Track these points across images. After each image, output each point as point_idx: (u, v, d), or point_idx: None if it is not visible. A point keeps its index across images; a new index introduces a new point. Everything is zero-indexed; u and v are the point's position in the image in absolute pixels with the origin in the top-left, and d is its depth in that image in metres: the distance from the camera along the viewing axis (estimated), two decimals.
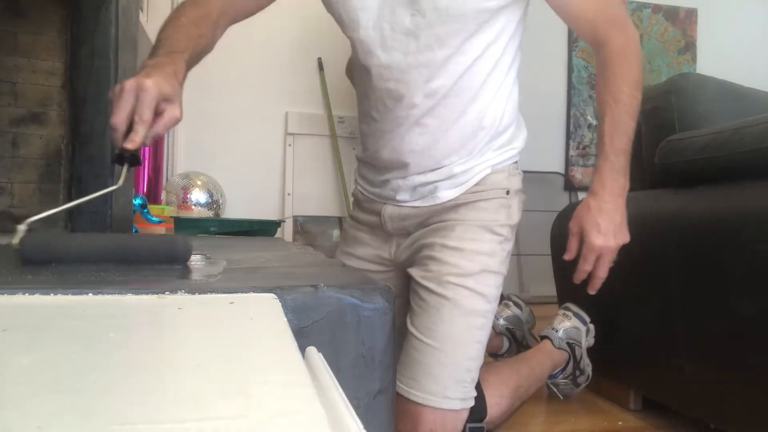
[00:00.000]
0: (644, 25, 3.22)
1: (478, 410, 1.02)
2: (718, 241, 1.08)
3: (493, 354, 1.61)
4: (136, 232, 1.51)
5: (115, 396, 0.23)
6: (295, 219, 2.70)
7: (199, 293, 0.44)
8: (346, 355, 0.46)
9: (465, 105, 1.03)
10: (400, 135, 1.06)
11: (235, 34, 1.15)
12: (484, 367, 1.07)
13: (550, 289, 1.72)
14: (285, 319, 0.38)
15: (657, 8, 3.23)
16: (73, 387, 0.23)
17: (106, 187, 1.26)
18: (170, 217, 1.73)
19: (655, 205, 1.29)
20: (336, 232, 2.71)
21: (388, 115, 1.06)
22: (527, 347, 1.59)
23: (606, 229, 1.00)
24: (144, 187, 2.12)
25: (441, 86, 1.01)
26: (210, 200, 2.32)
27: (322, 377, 0.31)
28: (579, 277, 1.04)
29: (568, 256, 1.06)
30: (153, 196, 2.15)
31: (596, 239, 1.00)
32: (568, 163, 3.09)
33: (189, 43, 0.91)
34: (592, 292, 1.05)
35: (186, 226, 1.56)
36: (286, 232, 2.65)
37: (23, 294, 0.41)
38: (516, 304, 1.65)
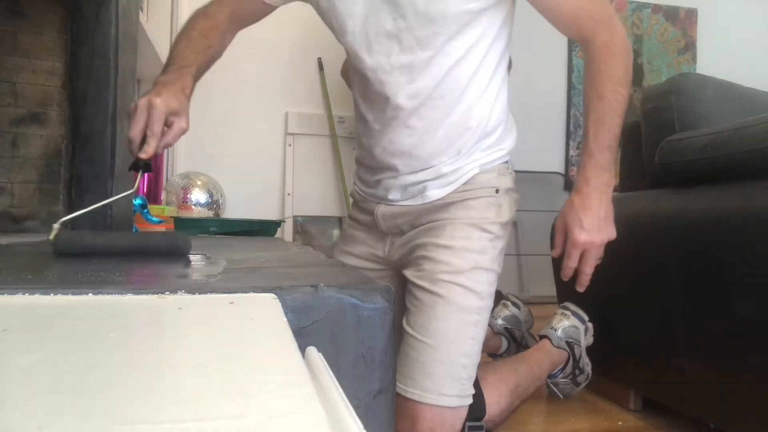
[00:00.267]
0: (644, 25, 3.22)
1: (476, 409, 1.03)
2: (718, 241, 1.09)
3: (492, 354, 1.61)
4: (136, 232, 1.51)
5: (115, 396, 0.23)
6: (295, 219, 2.70)
7: (199, 293, 0.44)
8: (346, 355, 0.46)
9: (451, 106, 1.04)
10: (389, 136, 1.08)
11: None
12: (483, 367, 1.08)
13: (549, 289, 1.72)
14: (285, 319, 0.38)
15: (657, 8, 3.24)
16: (73, 387, 0.23)
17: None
18: (170, 217, 1.73)
19: (655, 205, 1.29)
20: (336, 232, 2.71)
21: (378, 116, 1.09)
22: (526, 347, 1.59)
23: (589, 225, 1.01)
24: (144, 187, 2.12)
25: (424, 87, 1.03)
26: (210, 200, 2.32)
27: (322, 377, 0.31)
28: (565, 273, 1.05)
29: (554, 253, 1.07)
30: (153, 196, 2.15)
31: (579, 235, 1.01)
32: (568, 163, 3.09)
33: (197, 56, 1.02)
34: (580, 289, 1.05)
35: (186, 226, 1.56)
36: (286, 232, 2.66)
37: (23, 294, 0.41)
38: (514, 304, 1.65)
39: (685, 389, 1.18)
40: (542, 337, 1.41)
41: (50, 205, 1.26)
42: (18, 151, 1.24)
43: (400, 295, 1.10)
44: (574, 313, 1.43)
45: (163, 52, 2.20)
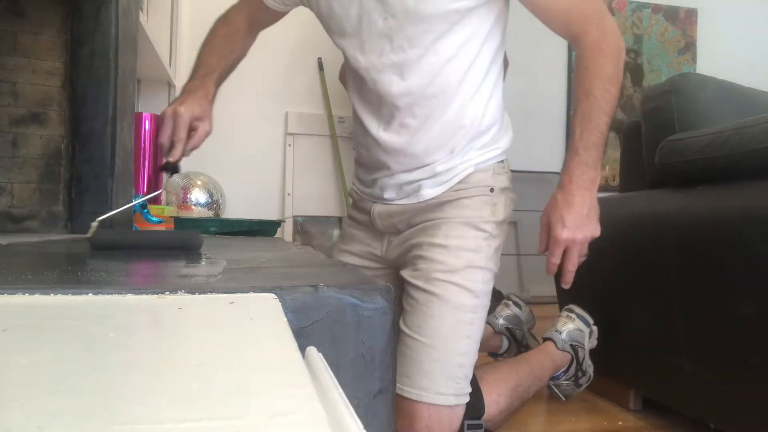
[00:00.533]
0: (644, 25, 3.22)
1: (475, 408, 1.03)
2: (718, 241, 1.09)
3: (492, 354, 1.61)
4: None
5: (115, 396, 0.23)
6: (295, 219, 2.70)
7: (199, 293, 0.44)
8: (346, 355, 0.46)
9: (443, 105, 1.05)
10: (383, 134, 1.09)
11: None
12: (483, 366, 1.08)
13: (550, 289, 1.72)
14: (285, 319, 0.38)
15: (657, 8, 3.24)
16: (73, 387, 0.23)
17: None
18: (170, 217, 1.73)
19: (655, 205, 1.29)
20: (336, 232, 2.71)
21: (372, 114, 1.11)
22: (527, 347, 1.59)
23: (571, 223, 1.00)
24: (144, 187, 2.12)
25: (416, 85, 1.04)
26: (210, 200, 2.32)
27: (322, 377, 0.31)
28: (549, 269, 1.04)
29: (539, 250, 1.07)
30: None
31: (561, 232, 1.00)
32: None
33: (220, 62, 1.14)
34: (564, 286, 1.04)
35: (186, 226, 1.56)
36: (286, 232, 2.66)
37: (23, 294, 0.41)
38: (516, 304, 1.65)
39: (685, 389, 1.18)
40: (546, 339, 1.41)
41: (50, 205, 1.26)
42: (18, 151, 1.24)
43: (398, 294, 1.11)
44: (579, 316, 1.43)
45: (163, 52, 2.20)
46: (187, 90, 1.06)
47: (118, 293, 0.43)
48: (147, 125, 2.13)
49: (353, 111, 1.17)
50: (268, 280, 0.51)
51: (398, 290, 1.11)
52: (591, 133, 0.99)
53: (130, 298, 0.42)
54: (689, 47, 3.28)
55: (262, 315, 0.39)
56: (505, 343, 1.61)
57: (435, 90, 1.04)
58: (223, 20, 1.20)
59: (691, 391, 1.16)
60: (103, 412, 0.20)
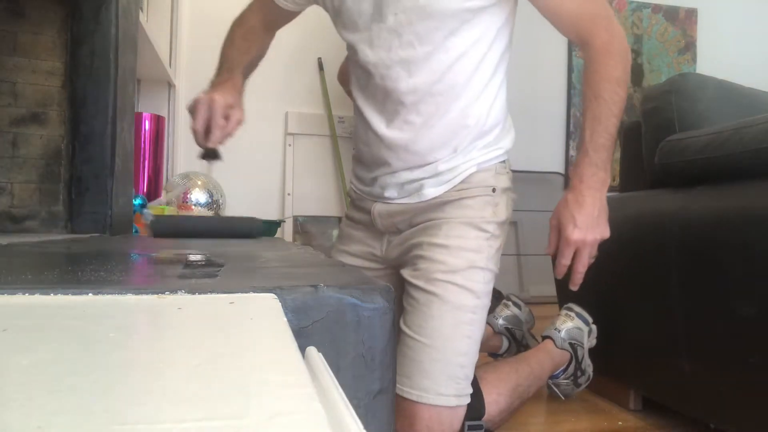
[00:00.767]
0: (644, 25, 3.22)
1: (475, 408, 1.02)
2: (718, 241, 1.09)
3: (492, 354, 1.61)
4: (137, 232, 1.51)
5: (115, 396, 0.23)
6: (295, 219, 2.70)
7: (199, 293, 0.44)
8: (346, 355, 0.46)
9: (448, 103, 1.05)
10: (386, 130, 1.09)
11: None
12: (483, 366, 1.08)
13: (550, 289, 1.72)
14: (285, 319, 0.38)
15: (657, 8, 3.24)
16: (73, 387, 0.23)
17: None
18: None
19: (655, 205, 1.29)
20: (336, 232, 2.71)
21: (376, 110, 1.10)
22: (527, 347, 1.59)
23: (582, 223, 1.01)
24: (144, 187, 2.12)
25: (423, 83, 1.03)
26: (210, 200, 2.32)
27: (322, 377, 0.31)
28: (559, 271, 1.05)
29: (548, 251, 1.07)
30: (153, 196, 2.15)
31: (572, 233, 1.01)
32: (568, 163, 3.09)
33: (242, 57, 1.18)
34: (573, 287, 1.05)
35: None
36: (286, 232, 2.66)
37: (23, 294, 0.41)
38: (515, 304, 1.65)
39: (685, 389, 1.18)
40: (545, 337, 1.41)
41: (50, 205, 1.26)
42: (18, 151, 1.24)
43: (398, 294, 1.11)
44: (579, 315, 1.43)
45: (163, 52, 2.20)
46: (216, 83, 1.09)
47: (118, 293, 0.43)
48: (147, 125, 2.13)
49: (355, 107, 1.16)
50: (268, 280, 0.51)
51: (398, 290, 1.11)
52: (600, 135, 1.00)
53: (130, 298, 0.42)
54: (689, 47, 3.28)
55: (262, 315, 0.39)
56: (505, 343, 1.61)
57: (442, 88, 1.04)
58: (238, 22, 1.23)
59: (691, 391, 1.16)
60: (103, 412, 0.20)
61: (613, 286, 1.39)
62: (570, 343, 1.38)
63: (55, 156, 1.26)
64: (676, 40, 3.26)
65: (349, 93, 2.65)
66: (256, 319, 0.38)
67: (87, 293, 0.42)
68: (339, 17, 1.09)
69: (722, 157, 1.13)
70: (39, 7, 1.24)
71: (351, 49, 1.10)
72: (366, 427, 0.22)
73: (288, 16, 1.24)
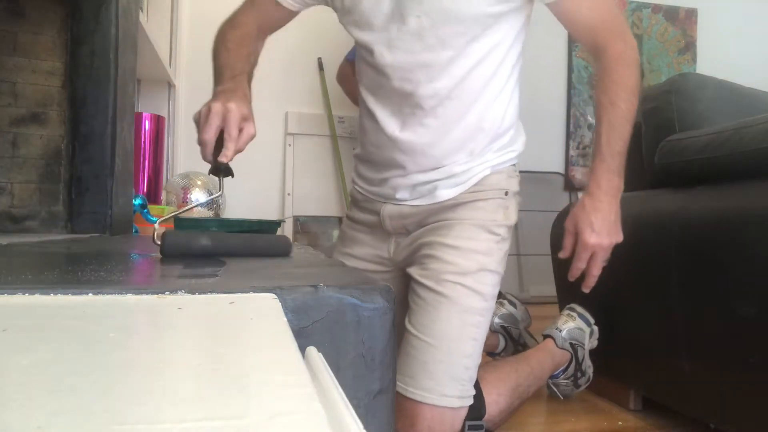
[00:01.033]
0: (644, 25, 3.22)
1: (476, 408, 1.02)
2: (718, 241, 1.09)
3: (490, 353, 1.61)
4: (137, 232, 1.51)
5: (115, 396, 0.23)
6: (296, 219, 2.70)
7: (199, 293, 0.44)
8: (346, 355, 0.46)
9: (467, 107, 1.05)
10: (402, 133, 1.07)
11: None
12: (483, 366, 1.08)
13: (550, 289, 1.72)
14: (285, 319, 0.38)
15: (657, 8, 3.24)
16: (73, 387, 0.23)
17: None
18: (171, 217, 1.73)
19: (655, 205, 1.29)
20: (336, 232, 2.71)
21: (392, 113, 1.08)
22: (524, 345, 1.59)
23: (600, 228, 1.03)
24: (144, 187, 2.12)
25: (443, 87, 1.03)
26: (210, 200, 2.31)
27: (322, 377, 0.31)
28: (573, 274, 1.07)
29: (563, 254, 1.09)
30: (153, 196, 2.15)
31: (590, 237, 1.03)
32: (568, 163, 3.09)
33: (244, 65, 1.04)
34: (585, 290, 1.08)
35: (186, 226, 1.56)
36: (286, 232, 2.66)
37: (23, 294, 0.41)
38: (511, 303, 1.65)
39: (685, 389, 1.18)
40: (546, 336, 1.41)
41: (50, 205, 1.26)
42: (18, 151, 1.24)
43: (404, 294, 1.10)
44: (581, 315, 1.43)
45: (163, 52, 2.20)
46: (223, 91, 0.94)
47: (118, 293, 0.43)
48: (147, 125, 2.13)
49: (364, 108, 1.14)
50: (268, 280, 0.51)
51: (404, 291, 1.11)
52: (616, 142, 1.03)
53: (130, 298, 0.42)
54: (689, 47, 3.28)
55: (262, 315, 0.39)
56: (502, 341, 1.61)
57: (460, 92, 1.04)
58: (231, 24, 1.12)
59: (691, 391, 1.16)
60: (103, 412, 0.20)
61: (613, 286, 1.39)
62: (571, 344, 1.38)
63: (55, 156, 1.26)
64: (676, 40, 3.26)
65: (349, 94, 2.65)
66: (256, 319, 0.38)
67: (87, 293, 0.42)
68: (350, 15, 1.06)
69: (722, 157, 1.13)
70: (39, 7, 1.24)
71: (365, 49, 1.08)
72: (366, 427, 0.23)
73: (284, 19, 1.17)
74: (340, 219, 2.74)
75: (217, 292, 0.44)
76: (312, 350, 0.38)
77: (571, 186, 3.04)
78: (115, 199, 1.28)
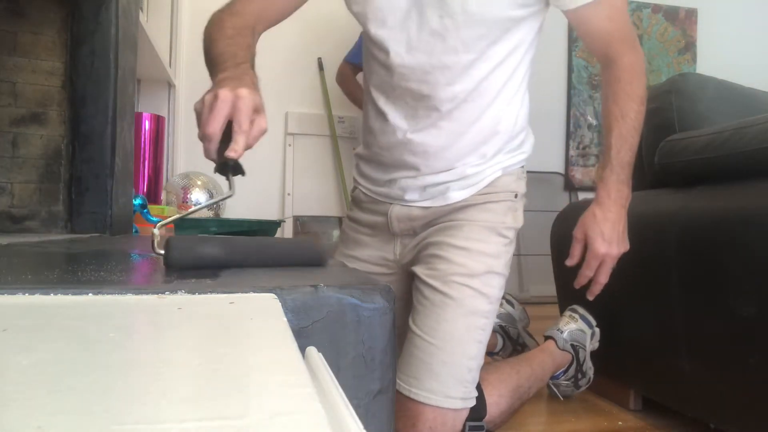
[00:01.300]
0: (644, 25, 3.22)
1: (477, 409, 1.02)
2: (718, 241, 1.08)
3: (488, 353, 1.61)
4: (137, 232, 1.51)
5: (115, 396, 0.23)
6: (296, 219, 2.70)
7: (199, 293, 0.44)
8: (346, 355, 0.46)
9: (482, 110, 1.05)
10: (415, 135, 1.06)
11: None
12: (484, 366, 1.08)
13: (549, 289, 1.72)
14: (285, 319, 0.38)
15: (657, 8, 3.24)
16: (73, 387, 0.23)
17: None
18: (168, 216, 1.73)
19: (655, 205, 1.29)
20: (336, 233, 2.71)
21: (404, 114, 1.07)
22: (523, 345, 1.59)
23: (610, 237, 1.04)
24: (144, 187, 2.12)
25: (462, 90, 1.02)
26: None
27: (322, 377, 0.31)
28: (580, 282, 1.08)
29: (570, 262, 1.09)
30: (153, 196, 2.15)
31: (600, 247, 1.04)
32: (568, 163, 3.09)
33: (246, 54, 0.89)
34: (590, 297, 1.09)
35: (186, 226, 1.56)
36: (286, 232, 2.66)
37: (23, 294, 0.41)
38: (508, 302, 1.65)
39: (685, 389, 1.18)
40: (548, 337, 1.41)
41: (50, 205, 1.26)
42: (18, 151, 1.24)
43: (408, 298, 1.10)
44: (582, 317, 1.43)
45: (163, 52, 2.20)
46: (230, 78, 0.77)
47: (118, 293, 0.43)
48: (147, 125, 2.13)
49: (373, 108, 1.12)
50: (268, 280, 0.51)
51: (408, 293, 1.10)
52: (626, 152, 1.04)
53: (130, 298, 0.42)
54: (689, 47, 3.28)
55: (262, 315, 0.39)
56: (500, 341, 1.60)
57: (477, 95, 1.03)
58: (229, 11, 1.00)
59: (691, 391, 1.16)
60: (103, 412, 0.20)
61: (613, 286, 1.39)
62: (572, 345, 1.38)
63: (55, 156, 1.26)
64: (676, 40, 3.26)
65: (349, 95, 2.65)
66: (256, 319, 0.38)
67: (87, 293, 0.42)
68: (363, 9, 1.02)
69: (722, 157, 1.13)
70: (39, 7, 1.24)
71: (379, 48, 1.04)
72: (366, 427, 0.23)
73: (286, 9, 1.08)
74: (340, 219, 2.74)
75: (217, 292, 0.44)
76: (312, 350, 0.38)
77: (571, 186, 3.04)
78: (115, 199, 1.28)
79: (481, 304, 1.02)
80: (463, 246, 1.04)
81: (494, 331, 1.61)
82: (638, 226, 1.11)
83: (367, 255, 1.18)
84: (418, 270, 1.06)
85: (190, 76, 2.54)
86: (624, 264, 1.08)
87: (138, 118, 1.98)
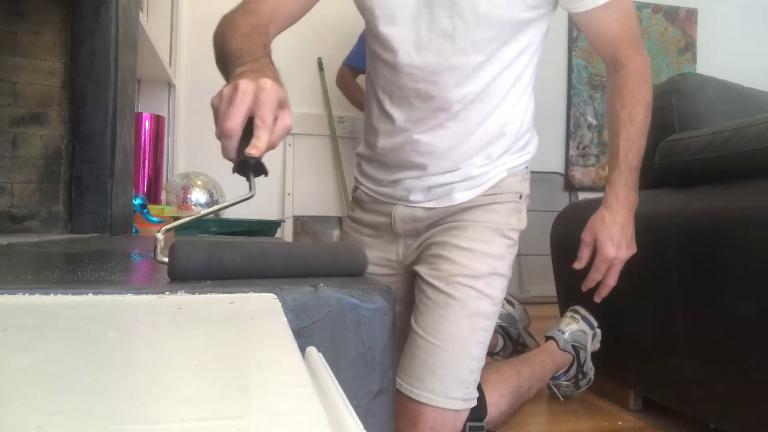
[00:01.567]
0: (644, 25, 3.22)
1: (477, 409, 1.02)
2: (718, 241, 1.08)
3: (489, 353, 1.61)
4: (137, 232, 1.51)
5: (115, 396, 0.23)
6: (296, 219, 2.70)
7: (199, 293, 0.44)
8: (346, 355, 0.46)
9: (490, 111, 1.04)
10: (422, 136, 1.05)
11: None
12: (485, 367, 1.08)
13: (550, 289, 1.72)
14: (285, 319, 0.38)
15: (657, 8, 3.24)
16: (73, 387, 0.23)
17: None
18: (170, 217, 1.73)
19: (655, 205, 1.29)
20: (336, 232, 2.71)
21: (411, 115, 1.06)
22: (524, 345, 1.58)
23: (619, 241, 1.05)
24: (144, 187, 2.12)
25: (470, 92, 1.02)
26: (210, 200, 2.31)
27: (322, 377, 0.31)
28: (588, 285, 1.09)
29: (579, 265, 1.10)
30: (153, 196, 2.15)
31: (610, 250, 1.05)
32: (568, 163, 3.09)
33: (264, 51, 0.84)
34: (597, 299, 1.11)
35: (186, 226, 1.56)
36: (286, 232, 2.66)
37: (23, 294, 0.41)
38: (509, 302, 1.65)
39: (685, 389, 1.18)
40: (549, 338, 1.41)
41: (50, 205, 1.26)
42: (18, 151, 1.24)
43: (410, 298, 1.09)
44: (584, 318, 1.43)
45: (163, 52, 2.20)
46: (250, 70, 0.70)
47: (118, 293, 0.43)
48: (147, 125, 2.13)
49: (377, 108, 1.11)
50: (268, 280, 0.51)
51: (411, 294, 1.10)
52: (634, 156, 1.05)
53: (130, 298, 0.42)
54: (689, 47, 3.28)
55: (262, 315, 0.39)
56: (501, 341, 1.60)
57: (486, 96, 1.03)
58: (242, 11, 0.93)
59: (691, 391, 1.16)
60: (103, 412, 0.20)
61: (614, 287, 1.39)
62: (573, 346, 1.38)
63: (55, 156, 1.26)
64: (676, 40, 3.26)
65: (350, 98, 2.64)
66: (256, 319, 0.38)
67: (87, 293, 0.42)
68: (371, 6, 1.01)
69: (722, 157, 1.13)
70: (39, 7, 1.24)
71: (386, 47, 1.03)
72: (366, 427, 0.23)
73: (299, 10, 1.04)
74: (340, 219, 2.74)
75: (217, 292, 0.44)
76: (312, 350, 0.38)
77: (571, 186, 3.04)
78: (115, 199, 1.28)
79: (485, 305, 1.02)
80: (467, 247, 1.04)
81: (495, 332, 1.61)
82: (638, 226, 1.11)
83: (369, 256, 1.17)
84: (421, 270, 1.06)
85: (190, 76, 2.54)
86: (624, 264, 1.08)
87: (138, 118, 1.98)
